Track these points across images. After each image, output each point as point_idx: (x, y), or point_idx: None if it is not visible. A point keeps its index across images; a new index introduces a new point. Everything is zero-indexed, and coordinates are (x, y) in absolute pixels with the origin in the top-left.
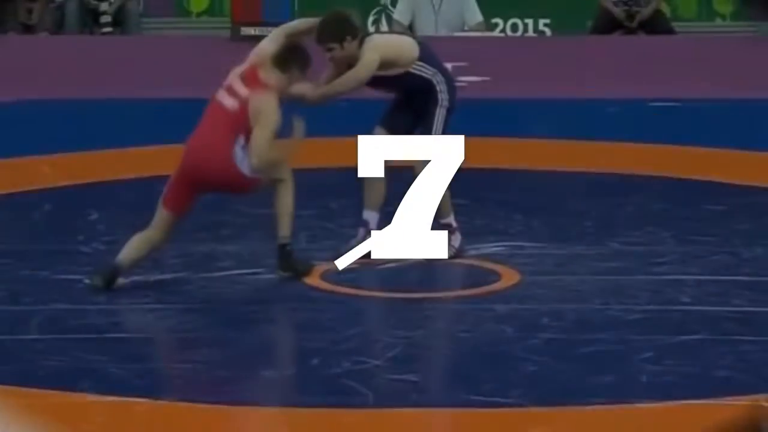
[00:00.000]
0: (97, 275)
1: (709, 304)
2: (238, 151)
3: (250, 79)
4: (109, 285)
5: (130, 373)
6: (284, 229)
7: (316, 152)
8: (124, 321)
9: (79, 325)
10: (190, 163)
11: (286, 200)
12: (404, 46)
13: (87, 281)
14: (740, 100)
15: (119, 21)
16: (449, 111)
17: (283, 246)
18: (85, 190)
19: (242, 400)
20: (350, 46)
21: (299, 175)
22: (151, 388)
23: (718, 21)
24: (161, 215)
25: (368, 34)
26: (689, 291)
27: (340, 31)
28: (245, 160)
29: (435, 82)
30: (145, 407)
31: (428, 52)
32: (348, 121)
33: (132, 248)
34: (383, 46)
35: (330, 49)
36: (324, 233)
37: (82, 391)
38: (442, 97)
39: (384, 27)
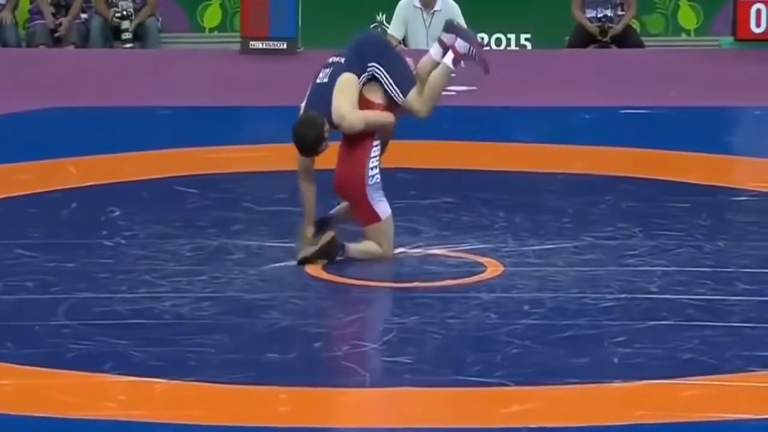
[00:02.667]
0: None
1: (675, 292)
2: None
3: None
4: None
5: (149, 355)
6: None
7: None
8: (144, 308)
9: (102, 312)
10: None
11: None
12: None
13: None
14: (703, 108)
15: (139, 36)
16: None
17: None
18: (107, 189)
19: (251, 381)
20: (328, 133)
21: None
22: (168, 370)
23: (684, 36)
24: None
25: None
26: (657, 281)
27: (318, 141)
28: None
29: None
30: (162, 387)
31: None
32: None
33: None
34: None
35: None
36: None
37: (105, 372)
38: None
39: None
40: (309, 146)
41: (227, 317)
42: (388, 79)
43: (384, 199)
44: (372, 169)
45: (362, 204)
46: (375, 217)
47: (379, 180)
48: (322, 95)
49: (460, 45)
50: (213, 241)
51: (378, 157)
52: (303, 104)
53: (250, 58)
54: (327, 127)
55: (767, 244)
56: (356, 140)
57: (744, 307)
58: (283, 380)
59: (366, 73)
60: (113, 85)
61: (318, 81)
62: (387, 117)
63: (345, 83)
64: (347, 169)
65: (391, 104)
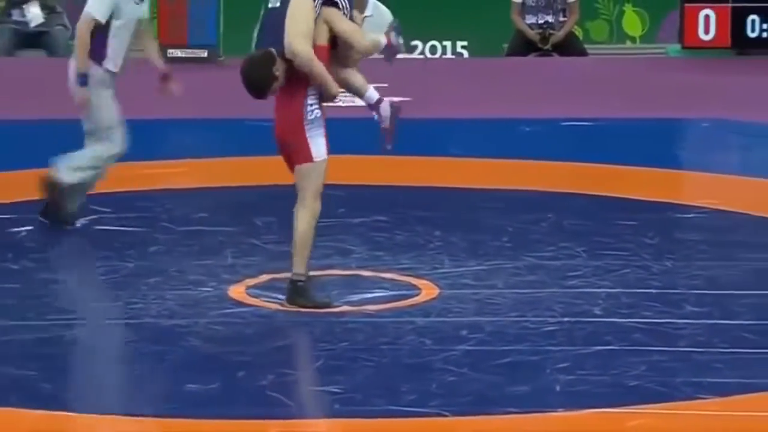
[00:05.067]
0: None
1: (621, 315)
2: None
3: None
4: None
5: (58, 387)
6: (298, 265)
7: (244, 171)
8: (53, 336)
9: (7, 341)
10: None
11: (302, 229)
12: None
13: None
14: (649, 120)
15: (46, 44)
16: None
17: (294, 282)
18: (13, 209)
19: (169, 413)
20: (281, 66)
21: (224, 193)
22: (79, 403)
23: (629, 43)
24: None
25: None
26: (602, 303)
27: (267, 82)
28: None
29: None
30: (74, 421)
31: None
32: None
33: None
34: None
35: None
36: (250, 249)
37: (11, 405)
38: None
39: None
40: (257, 88)
41: (144, 345)
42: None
43: (322, 138)
44: (310, 105)
45: (299, 142)
46: (307, 157)
47: (319, 115)
48: (275, 23)
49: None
50: (128, 263)
51: (315, 95)
52: (255, 33)
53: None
54: (278, 63)
55: (717, 264)
56: (294, 81)
57: (693, 330)
58: (204, 412)
59: None
60: (17, 95)
61: (270, 5)
62: (330, 83)
63: (298, 8)
64: (285, 111)
65: (334, 46)
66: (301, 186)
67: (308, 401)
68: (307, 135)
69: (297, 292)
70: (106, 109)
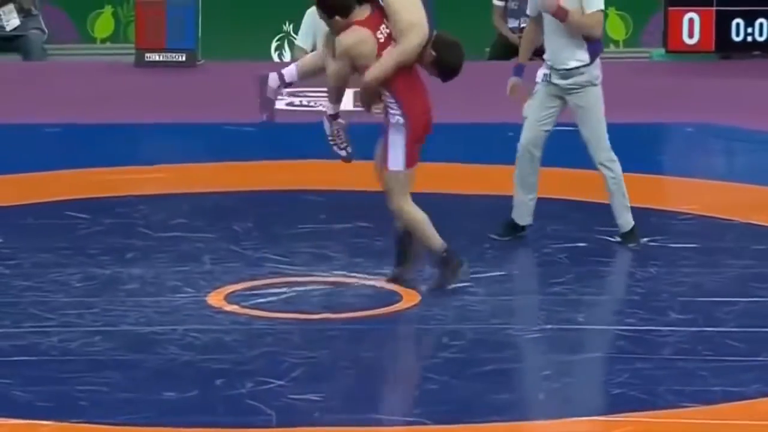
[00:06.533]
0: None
1: (604, 323)
2: None
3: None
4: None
5: (34, 395)
6: (433, 245)
7: (222, 176)
8: (29, 344)
9: None
10: (429, 121)
11: (409, 220)
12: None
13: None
14: (632, 125)
15: (21, 48)
16: None
17: (440, 257)
18: None
19: (147, 422)
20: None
21: (202, 198)
22: (55, 411)
23: (612, 47)
24: (404, 181)
25: None
26: (585, 311)
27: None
28: None
29: None
30: (50, 429)
31: None
32: (256, 146)
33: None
34: None
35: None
36: (228, 255)
37: None
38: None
39: (287, 53)
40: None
41: (121, 353)
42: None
43: (400, 147)
44: (391, 107)
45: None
46: (385, 165)
47: (401, 122)
48: None
49: None
50: (105, 270)
51: (393, 101)
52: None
53: (145, 71)
54: None
55: (701, 270)
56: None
57: (677, 338)
58: (182, 421)
59: None
60: None
61: None
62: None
63: None
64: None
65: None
66: (386, 190)
67: (288, 410)
68: (389, 139)
69: (445, 263)
70: None
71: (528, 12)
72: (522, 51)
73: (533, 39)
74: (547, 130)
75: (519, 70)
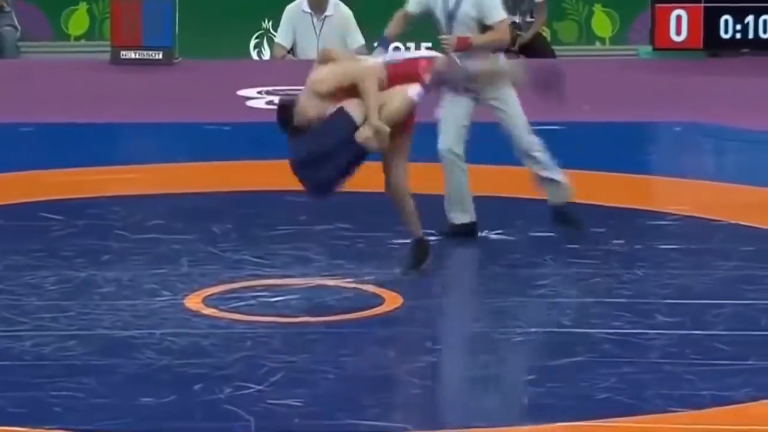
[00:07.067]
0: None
1: (590, 326)
2: None
3: None
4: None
5: (7, 401)
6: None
7: (200, 176)
8: (1, 349)
9: None
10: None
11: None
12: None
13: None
14: (619, 123)
15: None
16: None
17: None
18: None
19: (123, 428)
20: None
21: (179, 199)
22: (29, 417)
23: (598, 45)
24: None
25: None
26: (570, 313)
27: None
28: None
29: None
30: None
31: None
32: (234, 146)
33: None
34: None
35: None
36: (206, 257)
37: None
38: None
39: (266, 51)
40: None
41: (96, 357)
42: None
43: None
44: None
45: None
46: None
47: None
48: None
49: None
50: (80, 272)
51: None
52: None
53: (121, 69)
54: None
55: (689, 272)
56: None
57: (664, 341)
58: (159, 427)
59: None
60: None
61: None
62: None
63: None
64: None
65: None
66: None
67: (267, 415)
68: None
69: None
70: None
71: (410, 8)
72: (391, 27)
73: (403, 25)
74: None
75: (384, 43)
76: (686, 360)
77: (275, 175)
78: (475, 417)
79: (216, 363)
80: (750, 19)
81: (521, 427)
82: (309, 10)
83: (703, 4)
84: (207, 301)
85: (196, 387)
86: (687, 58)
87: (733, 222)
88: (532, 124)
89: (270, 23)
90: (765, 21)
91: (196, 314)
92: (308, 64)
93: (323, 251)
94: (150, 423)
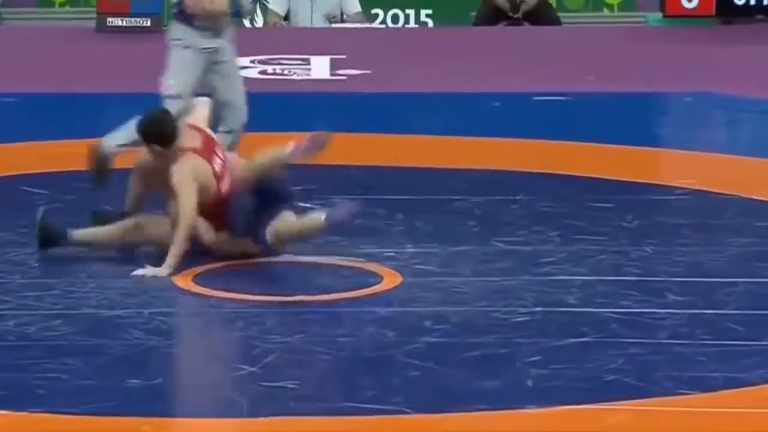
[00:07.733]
0: None
1: (597, 305)
2: None
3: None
4: None
5: None
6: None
7: None
8: None
9: None
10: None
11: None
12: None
13: None
14: (627, 94)
15: None
16: None
17: None
18: None
19: (110, 411)
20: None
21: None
22: (12, 400)
23: (606, 11)
24: None
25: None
26: (576, 292)
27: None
28: None
29: None
30: (5, 419)
31: None
32: None
33: None
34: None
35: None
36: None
37: None
38: None
39: (259, 18)
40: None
41: (82, 338)
42: None
43: None
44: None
45: None
46: None
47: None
48: None
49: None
50: (66, 250)
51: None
52: None
53: (107, 36)
54: None
55: (700, 249)
56: None
57: (674, 321)
58: (147, 410)
59: None
60: None
61: None
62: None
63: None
64: None
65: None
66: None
67: (261, 398)
68: None
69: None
70: None
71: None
72: None
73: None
74: None
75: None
76: (697, 340)
77: (264, 147)
78: (477, 400)
79: (207, 343)
80: None
81: (525, 410)
82: None
83: None
84: (197, 279)
85: (186, 368)
86: (698, 25)
87: (746, 196)
88: (537, 93)
89: None
90: None
91: (187, 292)
92: (303, 33)
93: None
94: (137, 406)
